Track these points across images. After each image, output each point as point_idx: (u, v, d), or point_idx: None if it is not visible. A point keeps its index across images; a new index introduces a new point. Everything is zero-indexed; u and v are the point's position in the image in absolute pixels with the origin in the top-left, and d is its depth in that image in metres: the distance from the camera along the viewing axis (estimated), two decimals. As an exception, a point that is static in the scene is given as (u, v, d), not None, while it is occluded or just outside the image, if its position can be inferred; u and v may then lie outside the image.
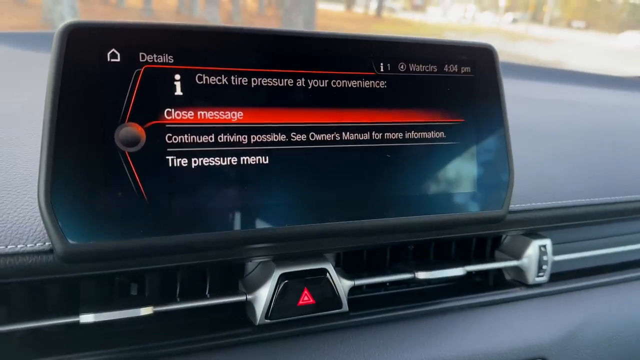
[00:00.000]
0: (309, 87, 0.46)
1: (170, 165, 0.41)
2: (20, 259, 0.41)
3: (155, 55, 0.41)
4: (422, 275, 0.59)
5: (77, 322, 0.45)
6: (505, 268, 0.68)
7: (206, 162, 0.42)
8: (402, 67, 0.49)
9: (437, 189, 0.50)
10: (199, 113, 0.42)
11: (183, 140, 0.41)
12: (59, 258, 0.39)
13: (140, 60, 0.40)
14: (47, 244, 0.42)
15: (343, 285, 0.54)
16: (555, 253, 0.68)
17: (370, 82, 0.48)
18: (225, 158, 0.43)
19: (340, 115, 0.47)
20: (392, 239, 0.58)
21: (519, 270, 0.67)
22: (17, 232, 0.42)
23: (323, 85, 0.46)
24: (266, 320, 0.51)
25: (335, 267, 0.55)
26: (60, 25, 0.39)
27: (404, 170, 0.49)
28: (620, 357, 0.69)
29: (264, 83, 0.44)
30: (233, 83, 0.43)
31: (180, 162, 0.41)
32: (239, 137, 0.43)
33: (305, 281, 0.52)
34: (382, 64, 0.48)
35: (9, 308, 0.46)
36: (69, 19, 0.40)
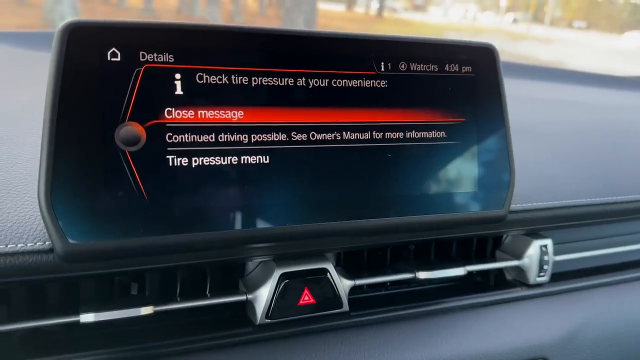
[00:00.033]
0: (310, 87, 0.45)
1: (170, 164, 0.41)
2: (20, 258, 0.41)
3: (155, 55, 0.40)
4: (422, 275, 0.59)
5: (77, 322, 0.45)
6: (506, 268, 0.68)
7: (206, 162, 0.42)
8: (403, 66, 0.49)
9: (438, 188, 0.50)
10: (199, 112, 0.42)
11: (183, 140, 0.41)
12: (59, 257, 0.39)
13: (141, 59, 0.40)
14: (47, 243, 0.42)
15: (343, 285, 0.54)
16: (556, 253, 0.68)
17: (371, 81, 0.48)
18: (226, 157, 0.42)
19: (341, 114, 0.47)
20: (393, 238, 0.58)
21: (519, 270, 0.67)
22: (17, 231, 0.42)
23: (324, 84, 0.46)
24: (266, 320, 0.51)
25: (336, 266, 0.55)
26: (61, 24, 0.39)
27: (405, 170, 0.49)
28: (621, 357, 0.69)
29: (265, 82, 0.44)
30: (233, 82, 0.43)
31: (180, 161, 0.41)
32: (239, 137, 0.43)
33: (305, 281, 0.52)
34: (382, 63, 0.48)
35: (9, 307, 0.46)
36: (70, 19, 0.40)
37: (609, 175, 0.75)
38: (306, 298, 0.52)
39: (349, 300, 0.55)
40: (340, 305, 0.54)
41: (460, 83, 0.51)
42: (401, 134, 0.49)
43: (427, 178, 0.50)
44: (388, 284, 0.62)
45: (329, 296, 0.53)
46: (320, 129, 0.46)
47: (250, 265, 0.54)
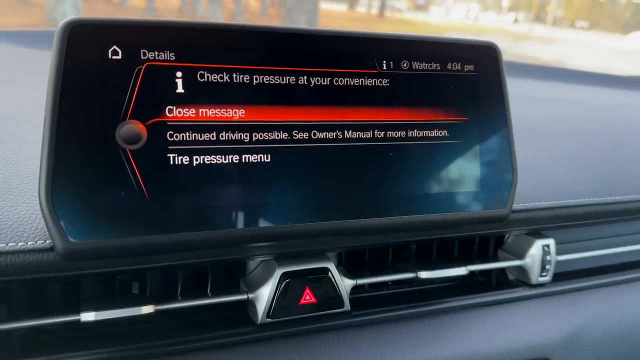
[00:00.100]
0: (311, 85, 0.45)
1: (171, 163, 0.41)
2: (21, 256, 0.41)
3: (156, 53, 0.40)
4: (424, 274, 0.58)
5: (78, 321, 0.45)
6: (508, 268, 0.68)
7: (208, 160, 0.42)
8: (404, 65, 0.49)
9: (440, 187, 0.50)
10: (200, 111, 0.42)
11: (184, 138, 0.41)
12: (59, 256, 0.39)
13: (142, 57, 0.40)
14: (47, 241, 0.42)
15: (345, 284, 0.54)
16: (558, 253, 0.67)
17: (373, 80, 0.48)
18: (227, 156, 0.42)
19: (342, 113, 0.46)
20: (395, 238, 0.57)
21: (522, 270, 0.66)
22: (18, 229, 0.42)
23: (325, 83, 0.46)
24: (268, 319, 0.51)
25: (337, 266, 0.55)
26: (62, 22, 0.39)
27: (407, 169, 0.49)
28: (623, 357, 0.69)
29: (266, 81, 0.44)
30: (235, 81, 0.43)
31: (181, 160, 0.41)
32: (240, 135, 0.43)
33: (307, 280, 0.52)
34: (384, 61, 0.48)
35: (10, 306, 0.46)
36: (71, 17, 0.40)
37: (611, 175, 0.75)
38: (307, 297, 0.52)
39: (351, 300, 0.55)
40: (342, 304, 0.54)
41: (463, 82, 0.51)
42: (403, 133, 0.49)
43: (429, 177, 0.50)
44: (389, 283, 0.62)
45: (330, 295, 0.53)
46: (322, 128, 0.46)
47: (252, 264, 0.54)
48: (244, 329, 0.50)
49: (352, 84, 0.47)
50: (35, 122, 0.57)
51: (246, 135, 0.43)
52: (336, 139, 0.46)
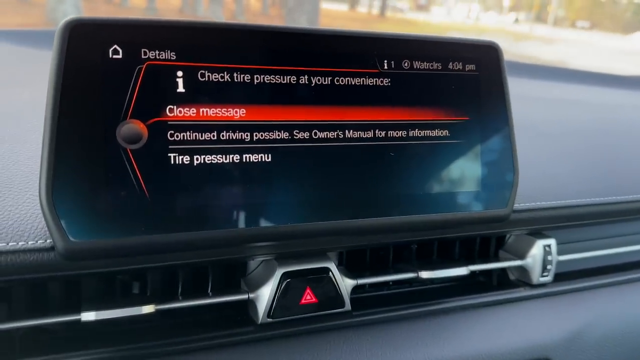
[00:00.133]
0: (312, 85, 0.45)
1: (172, 162, 0.41)
2: (21, 256, 0.41)
3: (157, 52, 0.40)
4: (425, 274, 0.58)
5: (79, 320, 0.45)
6: (509, 268, 0.68)
7: (208, 160, 0.42)
8: (406, 64, 0.49)
9: (441, 187, 0.50)
10: (201, 110, 0.42)
11: (185, 138, 0.41)
12: (60, 256, 0.39)
13: (143, 56, 0.40)
14: (48, 241, 0.42)
15: (346, 284, 0.54)
16: (559, 253, 0.67)
17: (374, 79, 0.47)
18: (228, 156, 0.42)
19: (343, 112, 0.46)
20: (396, 238, 0.57)
21: (523, 270, 0.66)
22: (18, 229, 0.42)
23: (326, 82, 0.46)
24: (268, 319, 0.51)
25: (338, 266, 0.55)
26: (62, 21, 0.39)
27: (408, 169, 0.49)
28: (625, 357, 0.69)
29: (267, 80, 0.44)
30: (235, 80, 0.43)
31: (182, 159, 0.41)
32: (241, 135, 0.43)
33: (307, 280, 0.51)
34: (385, 61, 0.48)
35: (10, 306, 0.46)
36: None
37: (613, 175, 0.75)
38: (308, 297, 0.52)
39: (351, 300, 0.55)
40: (343, 304, 0.54)
41: (464, 81, 0.51)
42: (404, 133, 0.49)
43: (430, 177, 0.50)
44: (390, 283, 0.62)
45: (331, 295, 0.53)
46: (323, 127, 0.45)
47: (252, 264, 0.54)
48: (245, 329, 0.50)
49: (353, 83, 0.47)
50: (35, 121, 0.57)
51: (247, 135, 0.43)
52: (337, 139, 0.46)
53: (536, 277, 0.66)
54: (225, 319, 0.52)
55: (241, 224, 0.43)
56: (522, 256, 0.66)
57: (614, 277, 0.72)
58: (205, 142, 0.42)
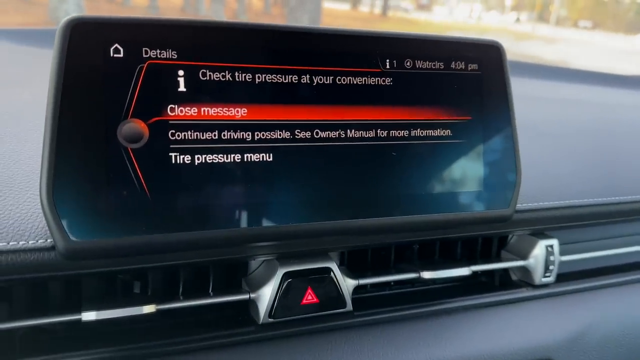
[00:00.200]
0: (314, 84, 0.45)
1: (173, 162, 0.40)
2: (22, 255, 0.41)
3: (158, 51, 0.40)
4: (427, 274, 0.58)
5: (79, 320, 0.45)
6: (512, 268, 0.68)
7: (209, 159, 0.41)
8: (408, 63, 0.49)
9: (443, 187, 0.50)
10: (202, 109, 0.41)
11: (186, 137, 0.41)
12: (60, 255, 0.38)
13: (144, 55, 0.40)
14: (49, 240, 0.42)
15: (347, 284, 0.54)
16: (562, 253, 0.67)
17: (376, 79, 0.47)
18: (229, 155, 0.42)
19: (345, 112, 0.46)
20: (398, 237, 0.57)
21: (525, 270, 0.66)
22: (19, 228, 0.42)
23: (328, 82, 0.46)
24: (269, 319, 0.50)
25: (340, 266, 0.55)
26: (63, 20, 0.38)
27: (410, 169, 0.48)
28: (627, 358, 0.68)
29: (269, 79, 0.43)
30: (237, 79, 0.42)
31: (183, 158, 0.41)
32: (242, 134, 0.43)
33: (309, 280, 0.51)
34: (388, 60, 0.48)
35: (11, 305, 0.46)
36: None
37: (615, 175, 0.75)
38: (309, 297, 0.51)
39: (353, 300, 0.54)
40: (344, 304, 0.54)
41: (466, 81, 0.51)
42: (406, 132, 0.48)
43: (432, 177, 0.49)
44: (392, 283, 0.62)
45: (333, 295, 0.53)
46: (325, 127, 0.45)
47: (254, 264, 0.54)
48: (246, 329, 0.50)
49: (355, 82, 0.46)
50: (37, 120, 0.57)
51: (248, 134, 0.43)
52: (339, 138, 0.46)
53: (538, 277, 0.65)
54: (226, 319, 0.52)
55: (242, 223, 0.43)
56: (524, 256, 0.66)
57: (616, 277, 0.72)
58: (206, 141, 0.41)
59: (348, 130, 0.46)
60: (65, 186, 0.37)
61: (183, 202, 0.41)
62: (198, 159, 0.41)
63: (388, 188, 0.48)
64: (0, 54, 0.98)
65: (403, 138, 0.48)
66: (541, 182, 0.67)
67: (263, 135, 0.43)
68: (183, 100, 0.41)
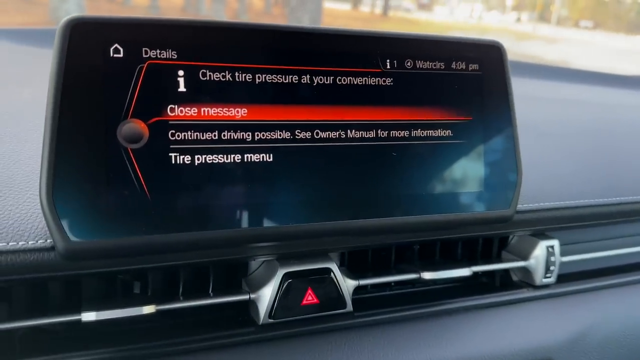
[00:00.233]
0: (314, 84, 0.45)
1: (173, 162, 0.40)
2: (21, 256, 0.41)
3: (158, 51, 0.40)
4: (427, 275, 0.58)
5: (79, 321, 0.45)
6: (512, 269, 0.68)
7: (209, 160, 0.41)
8: (408, 64, 0.48)
9: (443, 188, 0.50)
10: (202, 109, 0.41)
11: (186, 137, 0.41)
12: (60, 256, 0.38)
13: (144, 55, 0.40)
14: (48, 241, 0.42)
15: (347, 285, 0.54)
16: (562, 254, 0.67)
17: (377, 79, 0.47)
18: (229, 155, 0.42)
19: (345, 112, 0.46)
20: (398, 238, 0.57)
21: (526, 271, 0.66)
22: (18, 229, 0.42)
23: (328, 82, 0.45)
24: (269, 320, 0.50)
25: (340, 266, 0.55)
26: (63, 19, 0.38)
27: (410, 169, 0.48)
28: (628, 359, 0.68)
29: (269, 80, 0.43)
30: (237, 79, 0.42)
31: (183, 159, 0.41)
32: (242, 134, 0.42)
33: (309, 280, 0.51)
34: (388, 60, 0.48)
35: (10, 305, 0.46)
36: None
37: (616, 176, 0.74)
38: (309, 298, 0.51)
39: (353, 301, 0.54)
40: (344, 305, 0.53)
41: (467, 81, 0.51)
42: (406, 133, 0.48)
43: (432, 177, 0.49)
44: (392, 284, 0.62)
45: (333, 296, 0.53)
46: (325, 127, 0.45)
47: (254, 264, 0.54)
48: (246, 330, 0.50)
49: (355, 83, 0.46)
50: (36, 120, 0.56)
51: (248, 135, 0.43)
52: (339, 139, 0.46)
53: (539, 278, 0.65)
54: (226, 320, 0.52)
55: (242, 224, 0.42)
56: (525, 257, 0.66)
57: (617, 278, 0.72)
58: (206, 141, 0.41)
59: (348, 131, 0.46)
60: (65, 186, 0.37)
61: (183, 202, 0.41)
62: (198, 159, 0.41)
63: (388, 188, 0.48)
64: (0, 53, 0.98)
65: (403, 138, 0.48)
66: (542, 183, 0.67)
67: (263, 135, 0.43)
68: (183, 100, 0.41)
